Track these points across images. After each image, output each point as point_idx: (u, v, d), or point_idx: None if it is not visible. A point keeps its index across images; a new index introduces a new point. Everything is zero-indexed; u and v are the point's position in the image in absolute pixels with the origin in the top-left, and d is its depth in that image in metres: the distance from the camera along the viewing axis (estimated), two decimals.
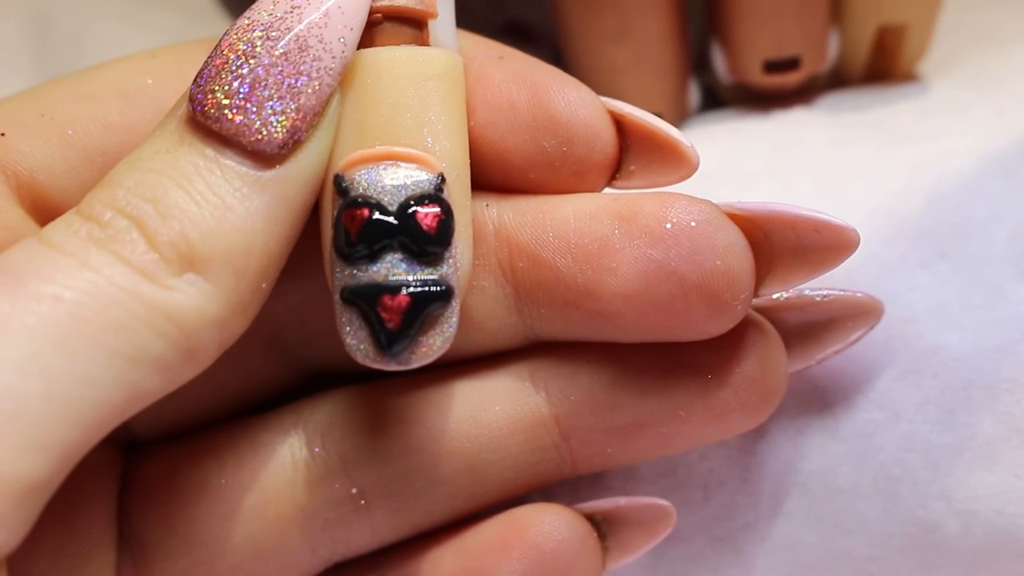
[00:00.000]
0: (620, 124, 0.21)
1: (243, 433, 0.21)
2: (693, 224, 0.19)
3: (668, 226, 0.19)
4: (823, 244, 0.20)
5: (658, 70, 0.32)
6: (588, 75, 0.32)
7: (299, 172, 0.18)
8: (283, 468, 0.21)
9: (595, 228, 0.20)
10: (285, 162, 0.18)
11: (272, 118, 0.18)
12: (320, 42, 0.18)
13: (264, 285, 0.18)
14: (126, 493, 0.21)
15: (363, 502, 0.20)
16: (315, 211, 0.20)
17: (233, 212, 0.18)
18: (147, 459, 0.21)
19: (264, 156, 0.18)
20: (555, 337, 0.21)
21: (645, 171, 0.21)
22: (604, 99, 0.21)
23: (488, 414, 0.21)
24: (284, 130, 0.18)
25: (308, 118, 0.18)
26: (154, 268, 0.17)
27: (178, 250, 0.17)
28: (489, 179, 0.21)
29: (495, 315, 0.20)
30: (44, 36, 0.33)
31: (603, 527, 0.22)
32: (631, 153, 0.21)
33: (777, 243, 0.20)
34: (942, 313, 0.25)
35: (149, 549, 0.21)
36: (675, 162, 0.21)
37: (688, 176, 0.21)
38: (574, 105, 0.20)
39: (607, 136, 0.21)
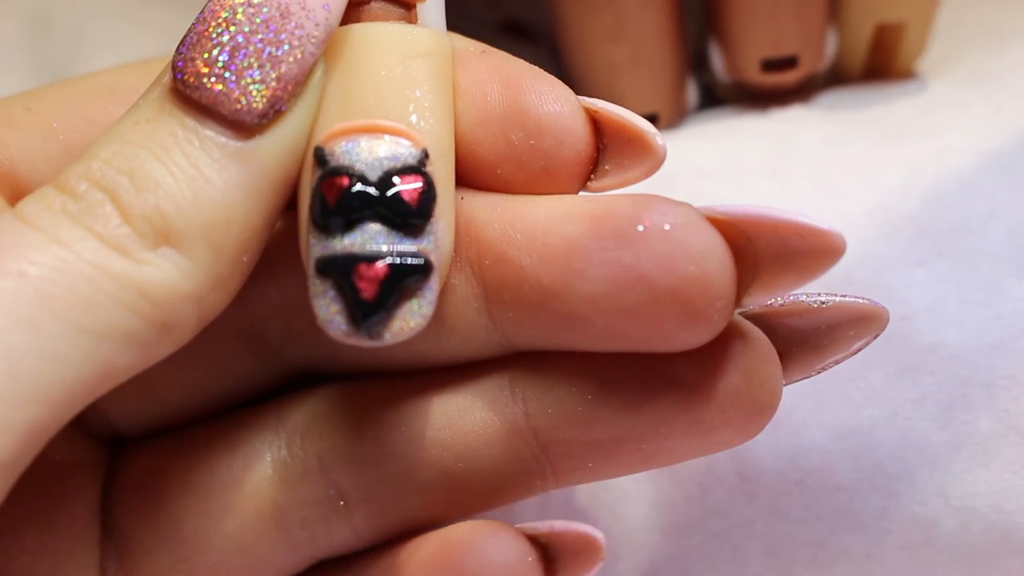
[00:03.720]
0: (597, 123, 0.20)
1: (224, 430, 0.21)
2: (667, 227, 0.18)
3: (640, 228, 0.18)
4: (808, 249, 0.19)
5: (656, 69, 0.32)
6: (585, 74, 0.32)
7: (280, 143, 0.18)
8: (262, 466, 0.20)
9: (565, 228, 0.19)
10: (266, 132, 0.18)
11: (252, 87, 0.18)
12: (303, 9, 0.18)
13: (245, 259, 0.18)
14: (111, 489, 0.21)
15: (342, 503, 0.20)
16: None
17: (211, 184, 0.17)
18: (132, 455, 0.21)
19: (244, 126, 0.18)
20: (528, 344, 0.20)
21: (618, 168, 0.20)
22: (580, 98, 0.20)
23: (465, 423, 0.20)
24: (264, 99, 0.18)
25: (289, 87, 0.18)
26: (127, 242, 0.17)
27: (152, 224, 0.17)
28: (459, 174, 0.20)
29: (465, 317, 0.20)
30: (43, 34, 0.33)
31: (550, 550, 0.21)
32: (607, 152, 0.20)
33: (761, 249, 0.19)
34: (940, 310, 0.25)
35: (132, 545, 0.20)
36: (643, 154, 0.20)
37: (655, 169, 0.20)
38: (545, 99, 0.20)
39: (579, 132, 0.20)
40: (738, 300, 0.19)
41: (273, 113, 0.18)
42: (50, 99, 0.21)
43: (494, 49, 0.21)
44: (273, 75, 0.18)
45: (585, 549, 0.21)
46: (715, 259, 0.18)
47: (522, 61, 0.21)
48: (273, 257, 0.20)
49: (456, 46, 0.21)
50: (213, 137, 0.18)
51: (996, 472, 0.24)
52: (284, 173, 0.18)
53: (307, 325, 0.19)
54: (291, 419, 0.21)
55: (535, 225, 0.19)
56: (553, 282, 0.19)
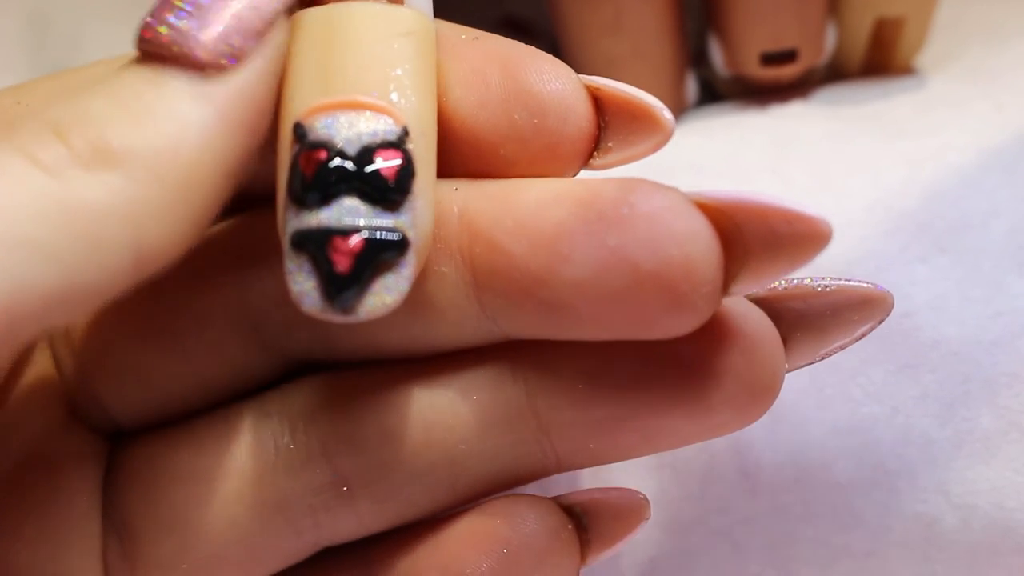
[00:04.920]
0: (598, 100, 0.20)
1: (226, 420, 0.21)
2: (653, 210, 0.18)
3: (625, 211, 0.18)
4: (795, 235, 0.18)
5: (655, 63, 0.32)
6: (585, 68, 0.32)
7: (238, 90, 0.18)
8: (265, 453, 0.20)
9: (553, 212, 0.19)
10: (223, 79, 0.18)
11: (210, 33, 0.18)
12: None
13: (196, 201, 0.18)
14: (111, 480, 0.21)
15: (345, 489, 0.20)
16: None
17: (160, 117, 0.17)
18: (133, 446, 0.21)
19: (200, 68, 0.18)
20: (518, 333, 0.20)
21: (622, 144, 0.20)
22: (581, 76, 0.20)
23: (465, 404, 0.20)
24: (224, 45, 0.18)
25: (247, 35, 0.18)
26: (58, 161, 0.17)
27: (93, 146, 0.17)
28: (461, 159, 0.20)
29: (456, 303, 0.20)
30: (41, 34, 0.33)
31: (583, 519, 0.21)
32: (609, 130, 0.20)
33: (749, 235, 0.19)
34: (941, 307, 0.25)
35: (135, 534, 0.20)
36: (650, 128, 0.20)
37: (663, 144, 0.20)
38: (547, 77, 0.20)
39: (581, 109, 0.20)
40: (726, 287, 0.19)
41: (230, 60, 0.18)
42: (41, 92, 0.21)
43: (488, 34, 0.21)
44: (228, 17, 0.18)
45: (626, 512, 0.21)
46: (700, 243, 0.18)
47: (518, 43, 0.20)
48: (271, 247, 0.20)
49: (448, 34, 0.21)
50: (169, 81, 0.18)
51: (997, 469, 0.24)
52: (240, 119, 0.18)
53: (305, 315, 0.19)
54: (293, 406, 0.21)
55: (525, 210, 0.19)
56: (540, 268, 0.19)
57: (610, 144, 0.20)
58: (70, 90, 0.19)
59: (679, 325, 0.19)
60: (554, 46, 0.33)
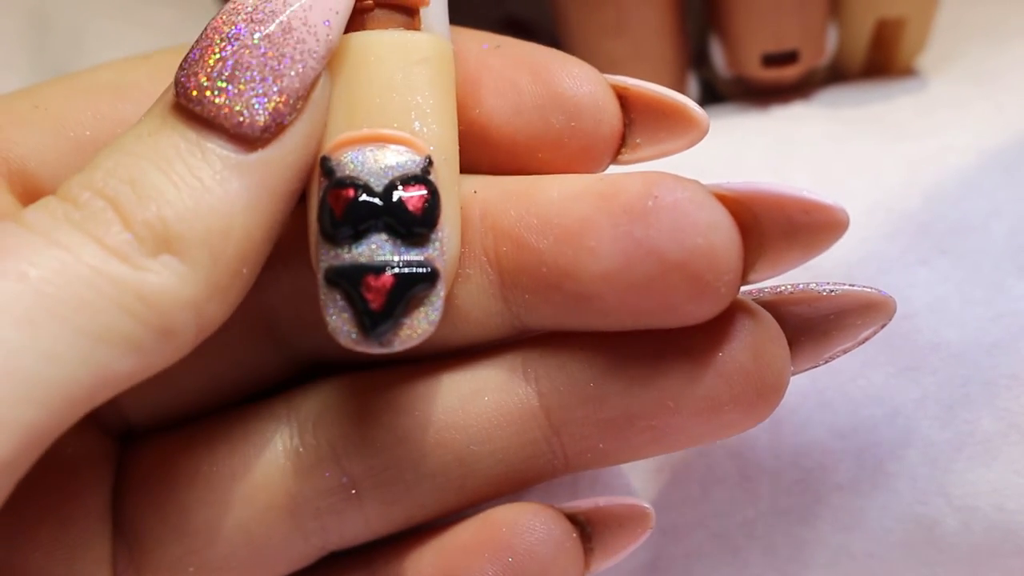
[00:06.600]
0: (623, 99, 0.21)
1: (236, 422, 0.21)
2: (676, 202, 0.19)
3: (650, 203, 0.19)
4: (812, 224, 0.19)
5: (656, 64, 0.32)
6: None
7: (283, 157, 0.18)
8: (274, 456, 0.21)
9: (577, 208, 0.19)
10: (268, 146, 0.18)
11: (254, 100, 0.18)
12: (304, 24, 0.18)
13: (245, 270, 0.18)
14: (121, 482, 0.21)
15: (354, 491, 0.20)
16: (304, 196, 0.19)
17: (212, 194, 0.18)
18: (142, 448, 0.21)
19: (246, 139, 0.18)
20: (542, 326, 0.20)
21: (652, 141, 0.21)
22: (605, 75, 0.21)
23: (477, 405, 0.20)
24: (267, 113, 0.18)
25: (291, 101, 0.18)
26: (128, 249, 0.17)
27: (153, 230, 0.17)
28: (497, 166, 0.21)
29: (480, 304, 0.20)
30: (42, 33, 0.33)
31: (587, 528, 0.21)
32: (635, 127, 0.21)
33: (767, 225, 0.19)
34: (941, 309, 0.25)
35: (143, 537, 0.21)
36: (684, 127, 0.21)
37: (698, 140, 0.21)
38: (578, 80, 0.20)
39: (613, 109, 0.20)
40: (745, 276, 0.20)
41: (275, 127, 0.18)
42: (56, 95, 0.21)
43: (510, 39, 0.21)
44: (275, 89, 0.18)
45: (630, 521, 0.21)
46: (723, 232, 0.19)
47: (539, 47, 0.21)
48: (285, 245, 0.20)
49: (471, 45, 0.21)
50: (215, 150, 0.18)
51: (998, 471, 0.24)
52: (286, 186, 0.19)
53: (318, 314, 0.19)
54: (302, 408, 0.21)
55: (548, 207, 0.20)
56: (568, 261, 0.19)
57: (638, 140, 0.21)
58: (110, 141, 0.20)
59: (701, 312, 0.19)
60: (555, 47, 0.33)
